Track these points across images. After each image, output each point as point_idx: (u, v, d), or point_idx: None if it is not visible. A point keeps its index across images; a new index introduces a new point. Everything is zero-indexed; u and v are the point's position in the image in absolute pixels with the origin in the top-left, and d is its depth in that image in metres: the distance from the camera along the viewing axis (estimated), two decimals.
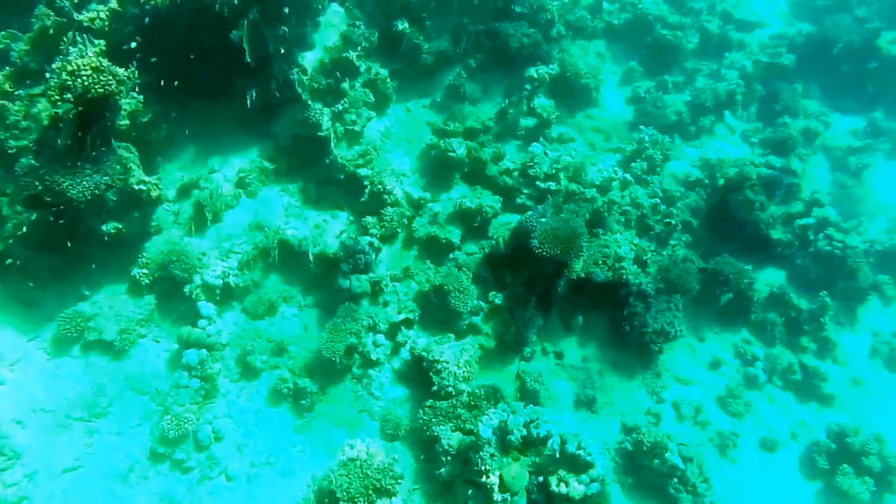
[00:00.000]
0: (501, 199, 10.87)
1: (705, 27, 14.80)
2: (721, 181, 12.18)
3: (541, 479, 7.53)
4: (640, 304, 10.47)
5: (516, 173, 11.56)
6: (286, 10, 9.49)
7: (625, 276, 10.32)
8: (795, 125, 14.57)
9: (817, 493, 10.34)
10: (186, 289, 9.21)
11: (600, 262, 10.25)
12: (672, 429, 10.39)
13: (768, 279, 12.44)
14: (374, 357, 9.51)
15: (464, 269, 10.08)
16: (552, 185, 11.23)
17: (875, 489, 9.94)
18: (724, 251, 12.05)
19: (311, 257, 9.52)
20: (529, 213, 9.86)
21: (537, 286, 10.00)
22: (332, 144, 10.10)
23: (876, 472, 9.99)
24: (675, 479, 9.33)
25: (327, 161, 10.35)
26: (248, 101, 9.79)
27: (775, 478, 10.44)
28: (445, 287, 9.48)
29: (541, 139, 12.33)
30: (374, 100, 11.13)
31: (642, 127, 12.53)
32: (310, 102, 10.38)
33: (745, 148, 14.45)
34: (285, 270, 10.36)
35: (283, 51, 9.70)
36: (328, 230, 10.39)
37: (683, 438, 10.14)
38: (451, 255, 10.36)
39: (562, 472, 7.40)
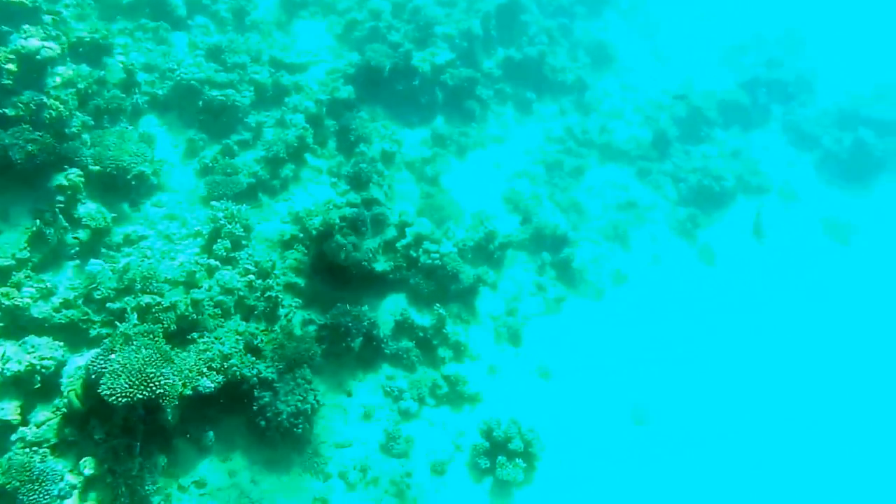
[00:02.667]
0: (65, 343, 10.01)
1: (256, 79, 15.92)
2: (314, 232, 13.31)
3: None
4: (266, 394, 10.81)
5: (80, 301, 10.80)
6: None
7: (238, 373, 10.52)
8: (373, 150, 16.80)
9: (490, 491, 12.11)
10: None
11: (205, 370, 10.26)
12: (346, 501, 11.09)
13: (392, 307, 14.03)
14: None
15: (36, 448, 9.00)
16: (130, 301, 10.79)
17: (525, 465, 12.09)
18: (342, 297, 13.23)
19: None
20: (94, 352, 9.27)
21: (138, 427, 9.53)
22: None
23: (521, 452, 12.11)
24: None
25: None
26: None
27: (454, 495, 11.95)
28: (9, 485, 8.32)
29: (101, 251, 11.76)
30: None
31: (214, 203, 12.90)
32: None
33: (340, 185, 16.09)
34: None
35: None
36: None
37: None
38: (13, 437, 9.14)
39: None
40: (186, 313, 10.52)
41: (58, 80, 12.68)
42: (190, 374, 10.04)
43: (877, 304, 20.12)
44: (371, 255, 13.41)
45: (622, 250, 19.33)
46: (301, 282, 12.94)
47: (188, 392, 9.91)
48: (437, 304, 13.65)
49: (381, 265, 13.67)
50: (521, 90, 22.00)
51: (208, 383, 10.13)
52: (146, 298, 10.41)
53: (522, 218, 17.63)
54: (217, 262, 11.89)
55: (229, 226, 12.34)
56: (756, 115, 26.08)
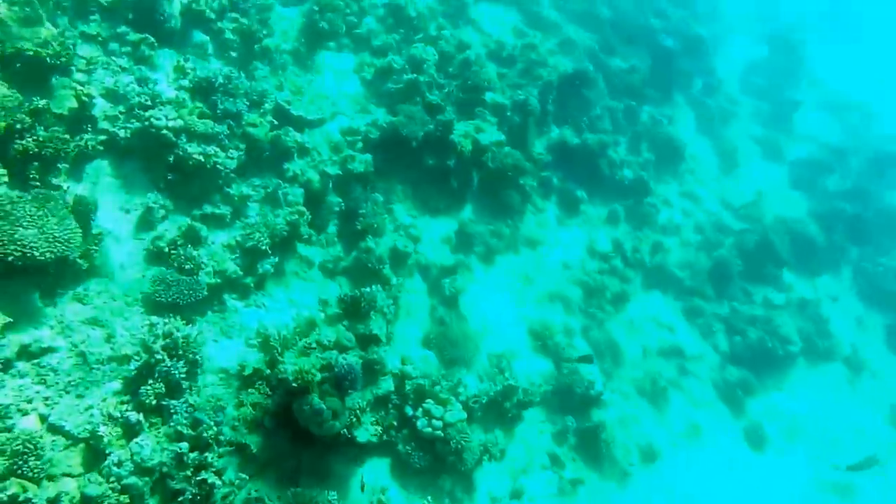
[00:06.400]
0: None
1: (251, 134, 13.00)
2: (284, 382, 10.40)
3: None
4: None
5: None
6: None
7: None
8: (382, 246, 13.98)
9: None
10: None
11: None
12: None
13: (370, 477, 11.21)
14: None
15: None
16: None
17: None
18: (304, 463, 10.44)
19: None
20: None
21: None
22: None
23: None
24: None
25: None
26: None
27: None
28: None
29: None
30: None
31: (154, 320, 9.92)
32: None
33: (331, 287, 13.24)
34: None
35: None
36: None
37: None
38: None
39: None
40: None
41: None
42: None
43: None
44: (354, 420, 10.56)
45: (655, 412, 16.70)
46: (254, 442, 10.00)
47: None
48: (430, 497, 10.85)
49: (366, 434, 10.81)
50: (571, 184, 19.33)
51: None
52: (12, 489, 7.44)
53: (553, 363, 14.94)
54: (139, 417, 8.95)
55: (168, 361, 9.40)
56: (828, 256, 23.69)
